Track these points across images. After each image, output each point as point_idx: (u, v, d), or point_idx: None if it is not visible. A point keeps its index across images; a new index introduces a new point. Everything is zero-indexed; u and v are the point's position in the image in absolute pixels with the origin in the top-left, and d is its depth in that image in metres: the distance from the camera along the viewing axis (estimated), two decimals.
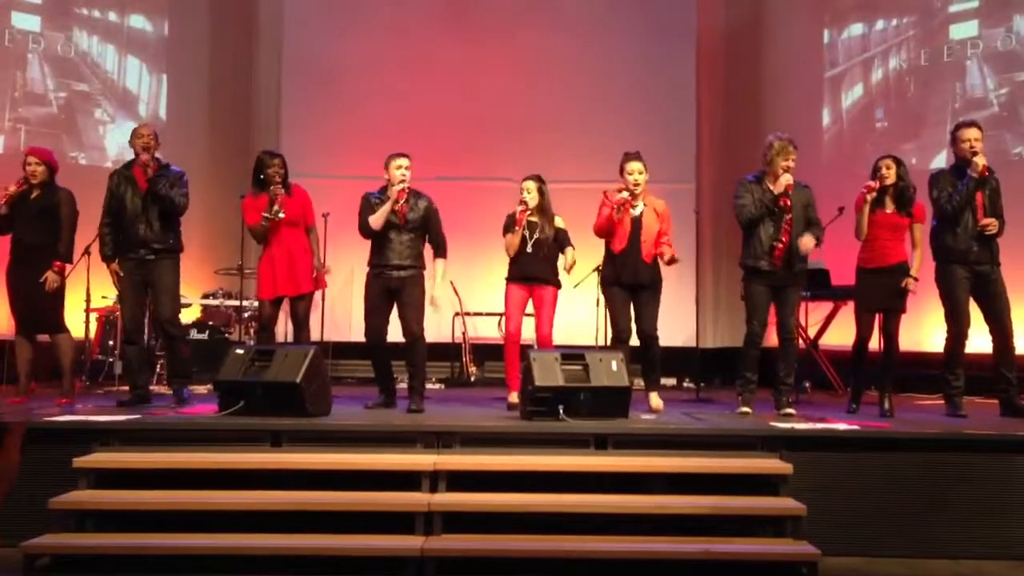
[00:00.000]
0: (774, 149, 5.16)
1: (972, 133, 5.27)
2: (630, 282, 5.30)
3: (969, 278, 5.24)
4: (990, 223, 5.20)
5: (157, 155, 5.39)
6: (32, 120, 8.49)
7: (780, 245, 5.10)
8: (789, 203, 5.10)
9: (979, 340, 5.39)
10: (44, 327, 5.57)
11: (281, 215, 5.36)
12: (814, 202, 5.25)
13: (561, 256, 5.62)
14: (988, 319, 5.27)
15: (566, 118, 9.01)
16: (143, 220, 5.28)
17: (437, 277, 5.41)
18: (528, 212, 5.52)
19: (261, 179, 5.46)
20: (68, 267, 5.56)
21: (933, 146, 8.17)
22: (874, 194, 5.27)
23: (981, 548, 4.24)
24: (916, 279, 5.29)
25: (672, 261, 5.27)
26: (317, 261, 5.59)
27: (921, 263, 5.36)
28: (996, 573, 4.05)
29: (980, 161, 5.18)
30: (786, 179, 5.09)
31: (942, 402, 5.42)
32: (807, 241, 5.10)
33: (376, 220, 5.26)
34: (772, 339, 5.28)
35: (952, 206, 5.23)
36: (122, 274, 5.33)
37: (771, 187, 5.15)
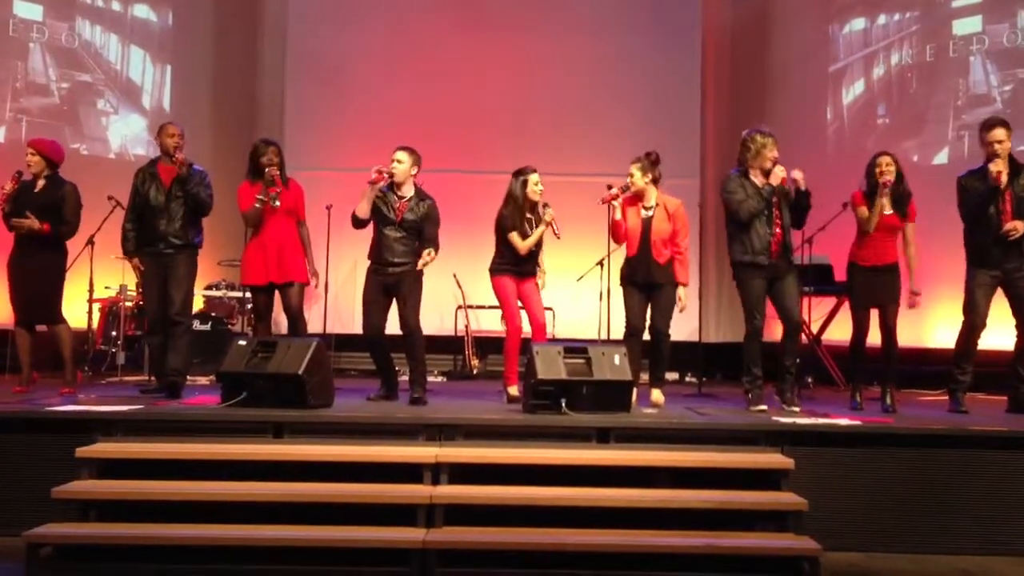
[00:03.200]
0: (758, 143, 5.14)
1: (994, 134, 5.11)
2: (644, 282, 5.32)
3: (991, 284, 5.18)
4: (1011, 228, 5.07)
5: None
6: (34, 111, 8.46)
7: (774, 239, 5.10)
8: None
9: (992, 337, 5.36)
10: (41, 318, 5.58)
11: (277, 203, 5.41)
12: (790, 191, 5.19)
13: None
14: (1016, 318, 5.22)
15: (571, 112, 9.00)
16: (165, 216, 5.35)
17: (425, 255, 5.17)
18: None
19: (257, 167, 5.50)
20: (57, 246, 5.57)
21: (935, 143, 8.15)
22: (888, 190, 5.19)
23: (985, 544, 4.24)
24: (918, 292, 5.30)
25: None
26: (310, 258, 5.66)
27: (917, 263, 5.33)
28: (999, 570, 4.05)
29: (993, 168, 5.04)
30: (780, 171, 5.07)
31: (946, 398, 5.41)
32: (798, 172, 5.05)
33: (361, 208, 5.24)
34: (769, 333, 5.26)
35: (970, 215, 5.19)
36: (143, 268, 5.43)
37: (756, 181, 5.12)
